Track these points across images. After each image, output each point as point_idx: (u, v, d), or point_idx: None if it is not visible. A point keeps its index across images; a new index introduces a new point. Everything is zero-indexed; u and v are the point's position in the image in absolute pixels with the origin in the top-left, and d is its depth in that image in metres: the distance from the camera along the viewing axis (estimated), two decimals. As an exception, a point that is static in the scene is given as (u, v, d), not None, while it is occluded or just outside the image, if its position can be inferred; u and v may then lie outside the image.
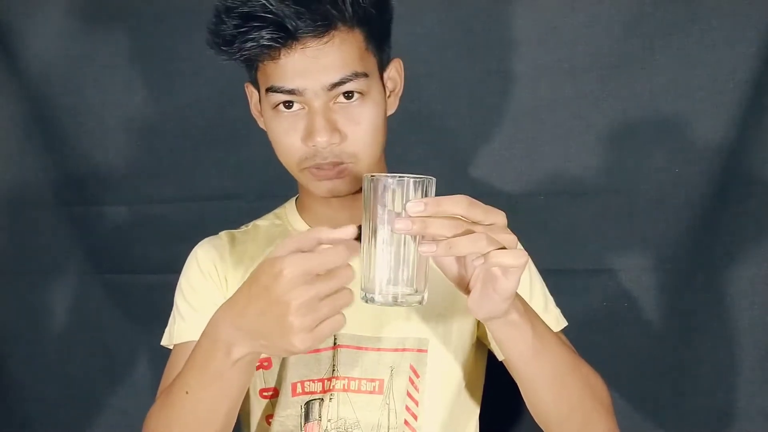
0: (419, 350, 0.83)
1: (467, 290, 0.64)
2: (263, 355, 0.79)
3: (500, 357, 0.81)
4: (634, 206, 1.08)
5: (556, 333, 0.80)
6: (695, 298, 1.07)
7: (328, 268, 0.57)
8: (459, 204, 0.56)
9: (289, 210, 0.92)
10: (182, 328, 0.86)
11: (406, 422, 0.82)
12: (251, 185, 1.17)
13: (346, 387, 0.82)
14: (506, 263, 0.57)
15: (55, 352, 1.25)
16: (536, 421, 0.77)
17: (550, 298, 0.90)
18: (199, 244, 0.91)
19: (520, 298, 0.67)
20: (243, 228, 0.93)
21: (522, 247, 0.67)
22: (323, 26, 0.71)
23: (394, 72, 0.83)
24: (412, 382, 0.83)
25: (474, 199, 0.57)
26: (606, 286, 1.11)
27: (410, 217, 0.56)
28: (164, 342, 0.89)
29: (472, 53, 1.10)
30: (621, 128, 1.07)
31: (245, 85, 0.85)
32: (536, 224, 1.10)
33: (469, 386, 0.87)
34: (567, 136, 1.09)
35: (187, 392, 0.68)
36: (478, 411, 0.90)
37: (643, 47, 1.05)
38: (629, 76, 1.05)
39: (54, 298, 1.25)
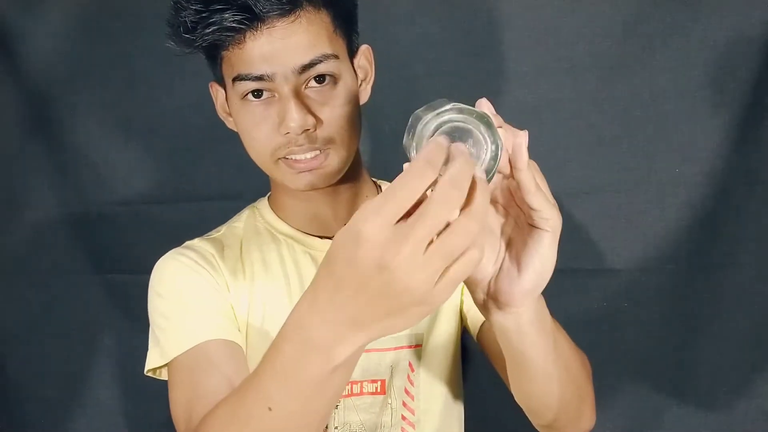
0: (415, 346, 0.84)
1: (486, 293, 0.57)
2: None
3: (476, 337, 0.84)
4: (634, 206, 1.08)
5: None
6: (695, 299, 1.07)
7: (410, 203, 0.42)
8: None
9: (262, 209, 0.88)
10: (174, 337, 0.76)
11: (403, 417, 0.82)
12: (251, 185, 1.17)
13: (349, 391, 0.81)
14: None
15: (55, 352, 1.25)
16: (528, 411, 0.71)
17: None
18: (172, 254, 0.82)
19: None
20: (214, 234, 0.87)
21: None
22: (289, 5, 0.69)
23: (364, 60, 0.81)
24: (408, 377, 0.83)
25: None
26: (606, 286, 1.11)
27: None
28: (153, 364, 0.79)
29: (472, 53, 1.10)
30: (621, 128, 1.07)
31: (210, 85, 0.82)
32: (536, 224, 1.10)
33: (457, 375, 0.88)
34: (567, 136, 1.09)
35: (270, 408, 0.52)
36: (462, 396, 0.91)
37: (643, 47, 1.05)
38: (629, 76, 1.05)
39: (54, 298, 1.25)
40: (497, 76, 1.10)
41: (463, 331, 0.89)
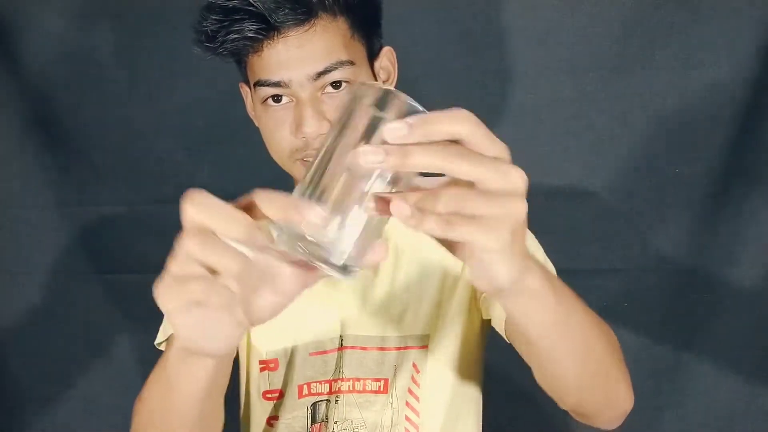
0: (421, 347, 0.83)
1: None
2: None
3: (508, 339, 0.74)
4: (634, 206, 1.08)
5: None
6: (695, 298, 1.07)
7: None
8: (461, 121, 0.39)
9: None
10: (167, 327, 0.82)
11: (407, 418, 0.82)
12: (251, 185, 1.17)
13: (351, 388, 0.82)
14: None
15: (55, 352, 1.25)
16: (549, 394, 0.65)
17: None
18: None
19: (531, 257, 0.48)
20: None
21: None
22: (304, 15, 0.71)
23: (386, 61, 0.82)
24: (413, 378, 0.82)
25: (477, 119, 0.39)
26: (606, 286, 1.11)
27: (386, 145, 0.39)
28: (159, 339, 0.84)
29: (471, 53, 1.10)
30: (621, 128, 1.07)
31: (240, 85, 0.85)
32: (536, 224, 1.09)
33: (470, 377, 0.86)
34: (567, 136, 1.09)
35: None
36: (480, 402, 0.88)
37: (643, 47, 1.05)
38: (629, 76, 1.05)
39: (54, 298, 1.25)
40: (497, 76, 1.10)
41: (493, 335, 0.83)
